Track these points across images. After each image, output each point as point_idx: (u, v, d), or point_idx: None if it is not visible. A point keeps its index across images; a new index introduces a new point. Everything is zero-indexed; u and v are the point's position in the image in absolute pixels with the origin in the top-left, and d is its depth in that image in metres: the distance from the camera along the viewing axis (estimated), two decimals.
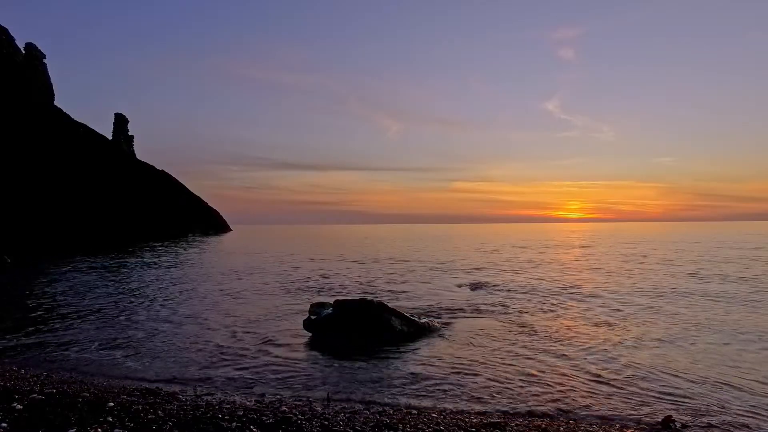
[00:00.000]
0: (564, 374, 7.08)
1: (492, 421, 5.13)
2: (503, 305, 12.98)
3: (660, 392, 6.28)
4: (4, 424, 4.05)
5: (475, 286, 16.96)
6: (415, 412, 5.51)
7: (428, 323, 9.92)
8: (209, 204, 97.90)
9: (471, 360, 7.84)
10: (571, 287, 16.47)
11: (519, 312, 11.98)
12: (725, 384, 6.57)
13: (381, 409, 5.61)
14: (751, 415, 5.52)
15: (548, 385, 6.63)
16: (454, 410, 5.68)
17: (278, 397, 6.05)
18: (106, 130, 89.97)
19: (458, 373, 7.22)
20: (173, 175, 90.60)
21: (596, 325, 10.44)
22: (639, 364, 7.50)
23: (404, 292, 15.91)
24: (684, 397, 6.11)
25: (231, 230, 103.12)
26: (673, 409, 5.68)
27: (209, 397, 5.73)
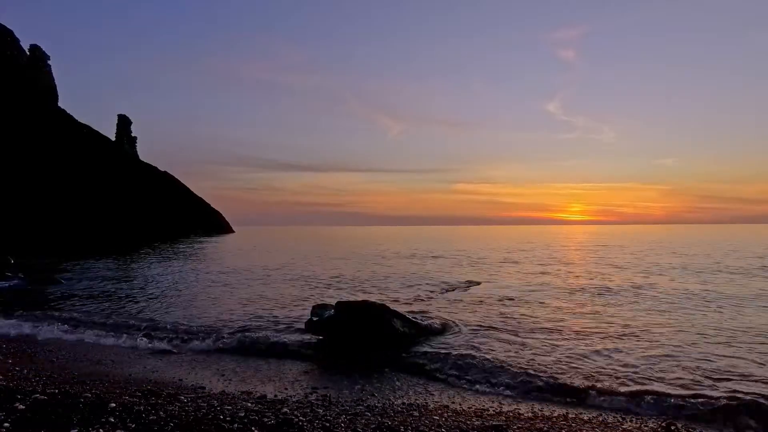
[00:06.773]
0: (566, 376, 7.05)
1: (493, 423, 5.12)
2: (514, 307, 12.95)
3: (662, 395, 6.26)
4: (6, 424, 4.06)
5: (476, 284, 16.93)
6: (416, 413, 5.50)
7: (430, 325, 9.91)
8: (211, 205, 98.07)
9: (471, 361, 7.82)
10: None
11: (527, 311, 11.95)
12: (730, 390, 6.54)
13: (382, 410, 5.60)
14: (755, 424, 5.50)
15: (550, 386, 6.61)
16: (456, 412, 5.67)
17: (279, 398, 6.04)
18: (109, 131, 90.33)
19: (459, 373, 7.20)
20: (175, 176, 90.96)
21: (611, 329, 10.39)
22: (645, 367, 7.47)
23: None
24: (687, 401, 6.08)
25: (233, 231, 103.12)
26: (675, 415, 5.65)
27: (210, 399, 5.73)
